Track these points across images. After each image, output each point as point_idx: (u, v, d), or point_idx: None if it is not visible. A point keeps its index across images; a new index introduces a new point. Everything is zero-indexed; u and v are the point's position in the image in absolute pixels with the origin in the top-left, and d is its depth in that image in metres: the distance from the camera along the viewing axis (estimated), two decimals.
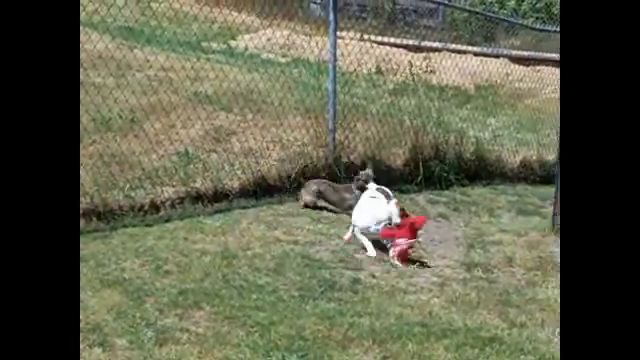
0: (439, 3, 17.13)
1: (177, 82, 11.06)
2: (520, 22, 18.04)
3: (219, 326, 6.04)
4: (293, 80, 12.07)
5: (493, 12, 18.81)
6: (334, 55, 10.44)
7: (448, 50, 17.43)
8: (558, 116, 9.94)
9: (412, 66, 12.67)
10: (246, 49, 15.69)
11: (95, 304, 6.25)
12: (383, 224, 8.09)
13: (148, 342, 5.72)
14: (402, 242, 7.95)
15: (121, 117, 10.45)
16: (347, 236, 8.40)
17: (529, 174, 12.75)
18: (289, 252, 7.80)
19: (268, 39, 15.28)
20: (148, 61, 11.40)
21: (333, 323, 6.20)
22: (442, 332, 6.18)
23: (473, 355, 5.81)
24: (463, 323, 6.44)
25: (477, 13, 17.92)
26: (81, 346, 5.60)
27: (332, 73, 10.41)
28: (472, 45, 18.72)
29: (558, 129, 9.93)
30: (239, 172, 9.68)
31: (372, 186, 8.76)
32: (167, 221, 8.51)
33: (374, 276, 7.49)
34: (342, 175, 10.20)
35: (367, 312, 6.50)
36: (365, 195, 8.60)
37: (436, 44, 18.11)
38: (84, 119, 9.83)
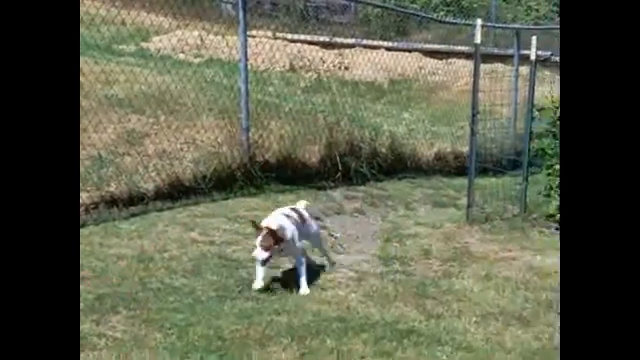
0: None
1: (88, 86, 10.91)
2: (431, 16, 18.18)
3: (137, 330, 6.01)
4: (205, 80, 12.03)
5: (404, 7, 18.89)
6: (245, 54, 10.42)
7: (361, 46, 17.55)
8: (470, 108, 10.01)
9: (324, 63, 12.70)
10: (158, 51, 15.57)
11: None
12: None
13: None
14: None
15: None
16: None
17: (444, 166, 12.86)
18: (206, 253, 7.78)
19: (179, 40, 15.19)
20: None
21: (251, 322, 6.20)
22: (360, 327, 6.21)
23: (391, 348, 5.85)
24: (381, 317, 6.49)
25: (388, 8, 18.01)
26: None
27: (244, 72, 10.39)
28: (385, 40, 18.84)
29: (470, 121, 10.01)
30: (154, 174, 9.61)
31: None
32: (82, 226, 8.41)
33: None
34: (258, 174, 10.18)
35: (285, 310, 6.51)
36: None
37: (349, 40, 18.19)
38: None
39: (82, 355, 5.57)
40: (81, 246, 7.70)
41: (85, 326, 6.02)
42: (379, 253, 8.32)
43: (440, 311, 6.71)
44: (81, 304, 6.36)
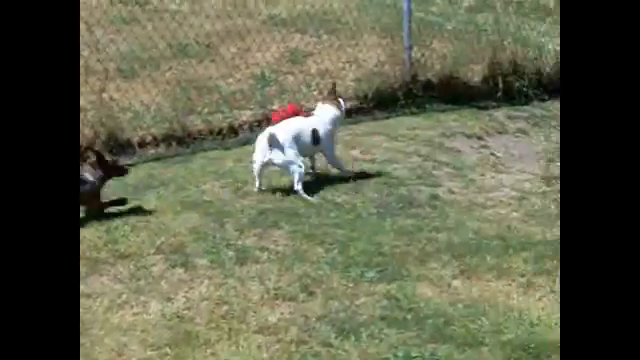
0: None
1: (252, 6, 11.08)
2: None
3: (298, 244, 6.13)
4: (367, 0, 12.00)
5: None
6: None
7: None
8: None
9: None
10: None
11: (176, 226, 6.38)
12: None
13: (229, 262, 5.84)
14: None
15: (197, 42, 10.53)
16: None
17: None
18: (367, 170, 7.80)
19: None
20: None
21: (411, 239, 6.24)
22: (521, 245, 6.17)
23: (552, 266, 5.79)
24: (542, 236, 6.43)
25: None
26: (163, 267, 5.76)
27: None
28: None
29: None
30: (316, 93, 9.67)
31: None
32: (245, 144, 8.55)
33: (452, 192, 7.49)
34: (420, 94, 10.12)
35: (445, 227, 6.53)
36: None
37: None
38: (161, 46, 9.94)
39: (245, 268, 5.75)
40: (245, 163, 7.90)
41: (248, 240, 6.20)
42: (542, 173, 8.19)
43: None
44: (244, 219, 6.56)
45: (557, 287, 5.50)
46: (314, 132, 7.43)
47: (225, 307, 5.26)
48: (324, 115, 7.67)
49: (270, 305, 5.29)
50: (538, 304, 5.33)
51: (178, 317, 5.18)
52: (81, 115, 8.43)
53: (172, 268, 5.75)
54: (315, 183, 7.42)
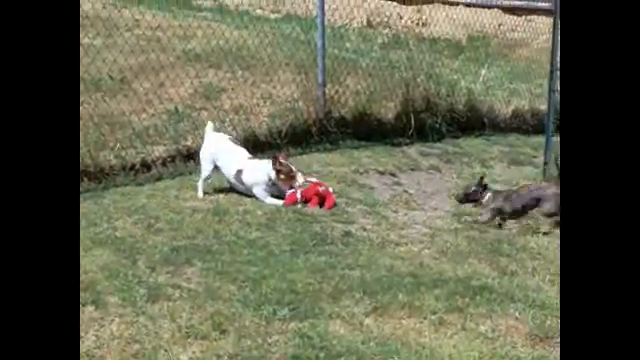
0: None
1: (166, 41, 11.04)
2: None
3: (211, 281, 6.08)
4: (282, 36, 12.05)
5: None
6: (322, 9, 10.36)
7: (440, 2, 17.35)
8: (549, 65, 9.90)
9: (402, 19, 12.61)
10: (236, 7, 15.62)
11: (87, 263, 6.28)
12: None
13: (140, 299, 5.75)
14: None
15: (111, 77, 10.45)
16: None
17: (521, 124, 12.68)
18: (280, 207, 7.81)
19: None
20: (136, 21, 11.37)
21: (324, 276, 6.23)
22: (433, 282, 6.21)
23: (463, 304, 5.84)
24: (454, 273, 6.48)
25: None
26: None
27: (321, 27, 10.35)
28: None
29: (549, 78, 9.89)
30: (229, 129, 9.67)
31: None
32: (158, 180, 8.52)
33: (365, 229, 7.52)
34: (333, 130, 10.18)
35: (358, 264, 6.54)
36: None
37: None
38: None
39: (157, 306, 5.67)
40: (157, 199, 7.83)
41: (160, 277, 6.12)
42: (453, 210, 8.28)
43: (514, 268, 6.68)
44: (157, 256, 6.49)
45: (468, 324, 5.57)
46: None
47: (136, 346, 5.18)
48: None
49: (182, 344, 5.22)
50: (450, 342, 5.35)
51: (88, 356, 5.08)
52: None
53: (82, 306, 5.64)
54: (227, 220, 7.39)
